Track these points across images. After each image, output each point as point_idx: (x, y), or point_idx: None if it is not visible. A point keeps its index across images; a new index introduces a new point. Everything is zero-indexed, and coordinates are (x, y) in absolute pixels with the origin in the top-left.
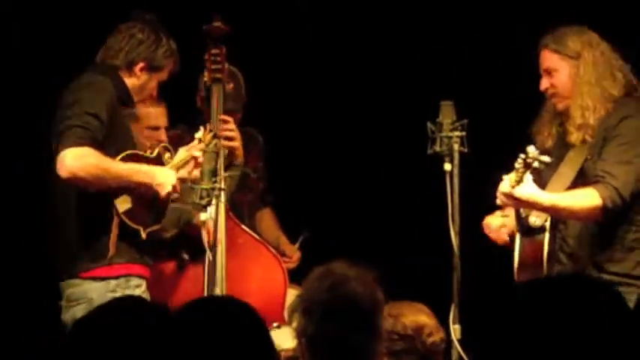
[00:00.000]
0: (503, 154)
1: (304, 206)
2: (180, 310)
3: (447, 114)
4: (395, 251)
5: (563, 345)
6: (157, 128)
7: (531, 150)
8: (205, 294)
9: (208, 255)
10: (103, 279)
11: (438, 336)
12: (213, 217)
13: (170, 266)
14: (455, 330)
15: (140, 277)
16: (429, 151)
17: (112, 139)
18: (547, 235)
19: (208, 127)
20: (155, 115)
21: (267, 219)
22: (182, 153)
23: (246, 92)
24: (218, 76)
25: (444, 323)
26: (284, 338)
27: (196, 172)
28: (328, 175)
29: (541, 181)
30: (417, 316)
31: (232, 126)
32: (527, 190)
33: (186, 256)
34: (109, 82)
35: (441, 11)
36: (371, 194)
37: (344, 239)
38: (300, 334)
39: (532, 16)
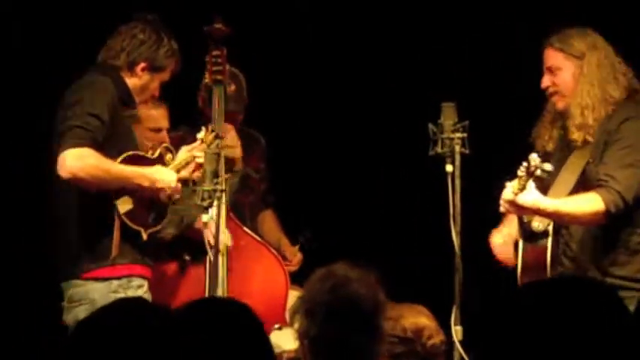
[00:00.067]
0: (504, 156)
1: (306, 207)
2: (177, 311)
3: (448, 115)
4: (396, 252)
5: (564, 347)
6: (158, 130)
7: (534, 158)
8: (207, 295)
9: (210, 256)
10: (105, 279)
11: (438, 338)
12: (214, 218)
13: (172, 267)
14: (456, 331)
15: (142, 277)
16: (431, 153)
17: (114, 139)
18: (550, 240)
19: (210, 127)
20: (157, 116)
21: (269, 221)
22: (183, 154)
23: (247, 93)
24: (219, 77)
25: (445, 324)
26: (286, 340)
27: (198, 173)
28: (329, 176)
29: (543, 186)
30: (416, 319)
31: (233, 133)
32: (530, 197)
33: (187, 257)
34: (110, 82)
35: (442, 12)
36: (372, 195)
37: (345, 240)
38: (302, 335)
39: (533, 17)
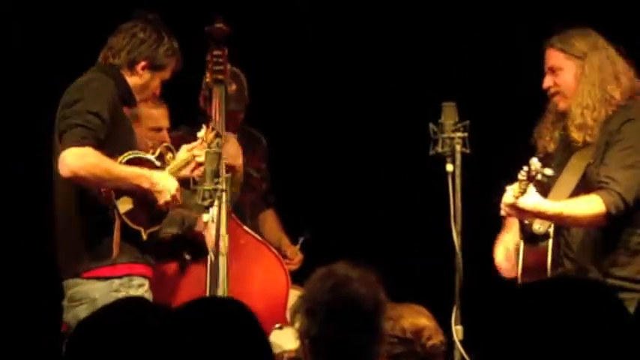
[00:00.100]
0: (505, 155)
1: (306, 207)
2: (177, 310)
3: (449, 115)
4: (397, 252)
5: (564, 347)
6: (159, 129)
7: (534, 162)
8: (207, 295)
9: (211, 256)
10: (106, 279)
11: (437, 339)
12: (215, 218)
13: (172, 267)
14: (457, 331)
15: (143, 276)
16: (431, 152)
17: (114, 137)
18: (551, 242)
19: (211, 126)
20: (157, 116)
21: (269, 220)
22: (183, 153)
23: (248, 93)
24: (220, 77)
25: (445, 324)
26: (286, 339)
27: (198, 172)
28: (330, 175)
29: (544, 187)
30: (416, 319)
31: (234, 141)
32: (531, 200)
33: (188, 257)
34: (110, 80)
35: (442, 12)
36: (373, 195)
37: (346, 240)
38: (302, 335)
39: (534, 17)
